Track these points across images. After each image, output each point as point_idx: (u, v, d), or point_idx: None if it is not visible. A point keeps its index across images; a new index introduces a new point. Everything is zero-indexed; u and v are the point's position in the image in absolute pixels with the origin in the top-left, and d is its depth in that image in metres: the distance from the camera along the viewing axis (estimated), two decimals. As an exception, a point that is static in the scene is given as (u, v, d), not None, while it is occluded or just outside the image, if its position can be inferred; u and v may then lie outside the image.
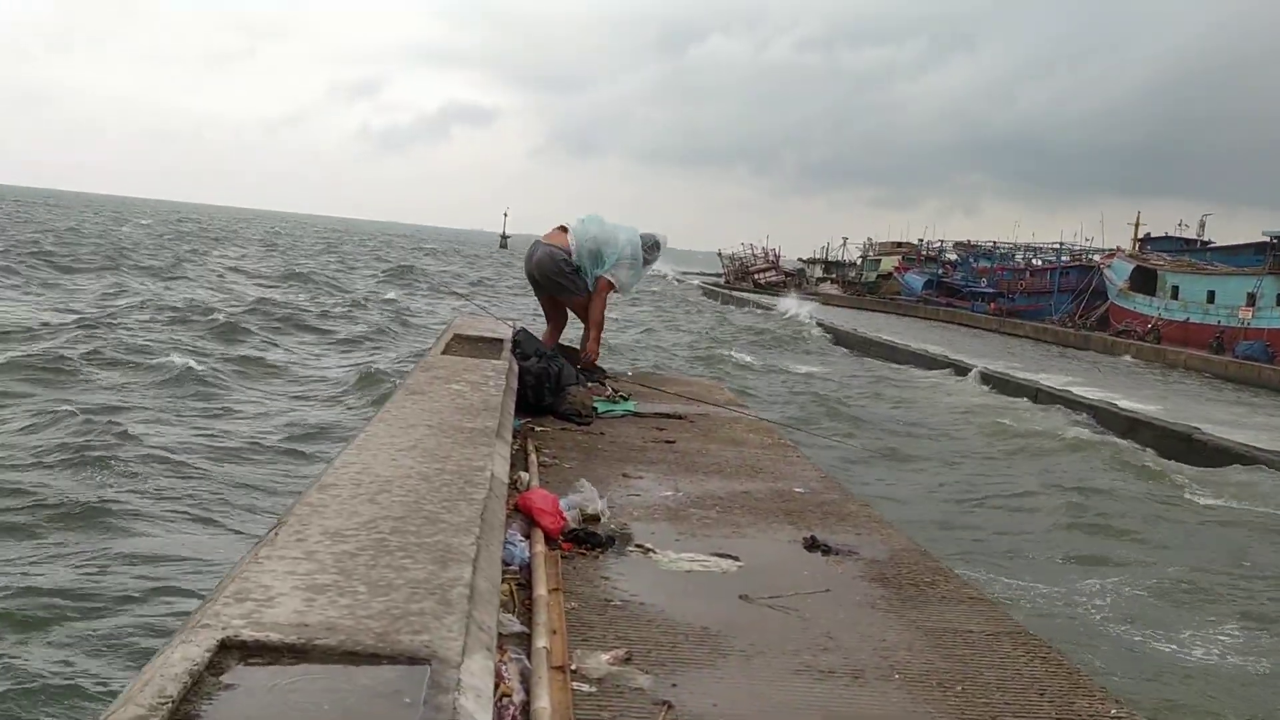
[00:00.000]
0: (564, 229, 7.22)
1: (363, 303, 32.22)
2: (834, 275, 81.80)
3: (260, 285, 35.31)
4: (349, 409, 14.36)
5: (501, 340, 6.92)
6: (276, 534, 2.41)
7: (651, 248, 7.32)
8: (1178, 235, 52.63)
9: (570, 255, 7.13)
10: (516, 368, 6.26)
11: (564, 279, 7.17)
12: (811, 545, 4.04)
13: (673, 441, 5.86)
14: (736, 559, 3.75)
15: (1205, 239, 51.71)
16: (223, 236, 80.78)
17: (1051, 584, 8.88)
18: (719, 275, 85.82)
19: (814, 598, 3.42)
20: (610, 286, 7.18)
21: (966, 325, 52.39)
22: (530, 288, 7.73)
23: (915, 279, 66.28)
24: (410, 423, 4.02)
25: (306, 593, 2.02)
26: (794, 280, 79.91)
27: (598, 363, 7.52)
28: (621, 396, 6.99)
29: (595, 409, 6.40)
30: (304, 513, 2.61)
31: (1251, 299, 38.15)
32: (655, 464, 5.26)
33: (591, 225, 7.13)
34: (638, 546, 3.80)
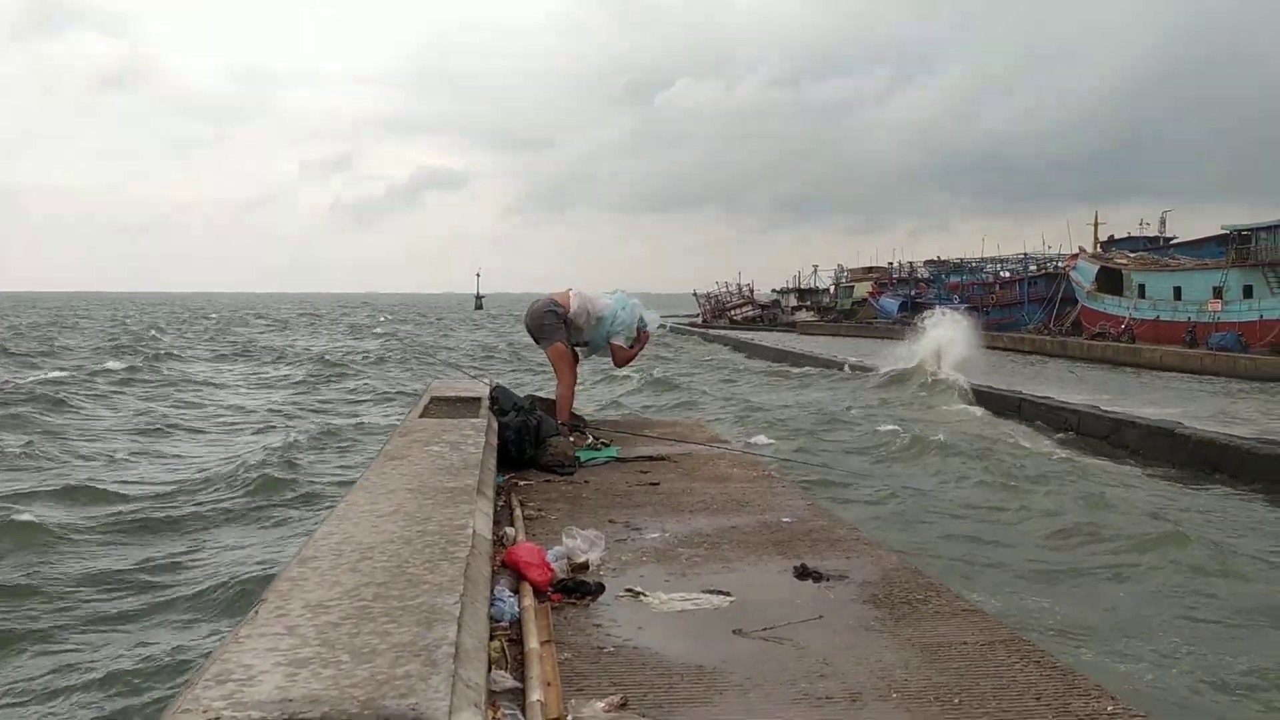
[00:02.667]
0: (570, 291, 7.77)
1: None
2: (808, 303, 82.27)
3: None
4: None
5: (479, 399, 6.92)
6: (257, 612, 2.39)
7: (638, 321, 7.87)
8: (1140, 235, 53.32)
9: (563, 309, 7.56)
10: (495, 424, 6.25)
11: (544, 322, 7.55)
12: (802, 573, 4.04)
13: (657, 483, 5.85)
14: (728, 594, 3.74)
15: (1168, 235, 52.41)
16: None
17: None
18: (695, 315, 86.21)
19: (807, 625, 3.41)
20: (620, 348, 7.71)
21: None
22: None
23: (890, 302, 66.78)
24: (390, 488, 4.00)
25: (289, 668, 2.00)
26: (769, 313, 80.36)
27: (576, 412, 7.58)
28: (603, 443, 7.00)
29: (578, 458, 6.40)
30: (284, 588, 2.59)
31: (1218, 292, 38.63)
32: (641, 507, 5.25)
33: (602, 299, 7.76)
34: (628, 591, 3.78)
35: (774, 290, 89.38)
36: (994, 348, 47.40)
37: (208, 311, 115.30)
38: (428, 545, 3.10)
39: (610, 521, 4.89)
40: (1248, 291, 37.15)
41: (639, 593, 3.76)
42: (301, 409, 22.41)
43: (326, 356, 38.56)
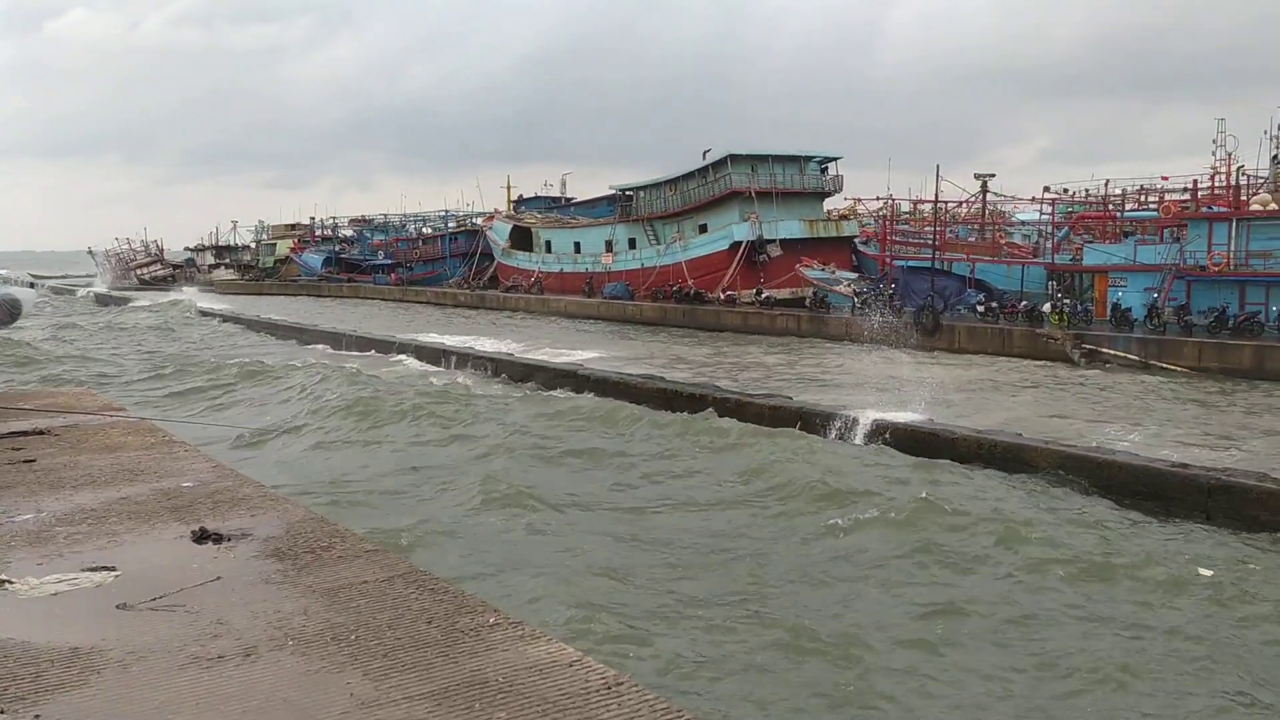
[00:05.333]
0: None
1: None
2: (228, 260, 77.48)
3: None
4: None
5: None
6: None
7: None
8: (545, 195, 58.13)
9: None
10: None
11: None
12: (201, 537, 3.85)
13: (33, 460, 5.19)
14: (113, 569, 3.45)
15: (569, 196, 57.72)
16: None
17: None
18: (92, 276, 76.76)
19: (204, 589, 3.27)
20: None
21: (373, 299, 53.05)
22: None
23: (313, 258, 65.21)
24: None
25: None
26: (184, 272, 74.41)
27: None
28: (-37, 421, 6.02)
29: (-73, 441, 5.44)
30: None
31: (609, 246, 43.41)
32: (10, 488, 4.62)
33: None
34: (-12, 582, 3.32)
35: (188, 248, 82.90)
36: (416, 302, 49.00)
37: None
38: None
39: (-31, 508, 4.24)
40: (632, 244, 42.23)
41: (3, 581, 3.32)
42: None
43: None
